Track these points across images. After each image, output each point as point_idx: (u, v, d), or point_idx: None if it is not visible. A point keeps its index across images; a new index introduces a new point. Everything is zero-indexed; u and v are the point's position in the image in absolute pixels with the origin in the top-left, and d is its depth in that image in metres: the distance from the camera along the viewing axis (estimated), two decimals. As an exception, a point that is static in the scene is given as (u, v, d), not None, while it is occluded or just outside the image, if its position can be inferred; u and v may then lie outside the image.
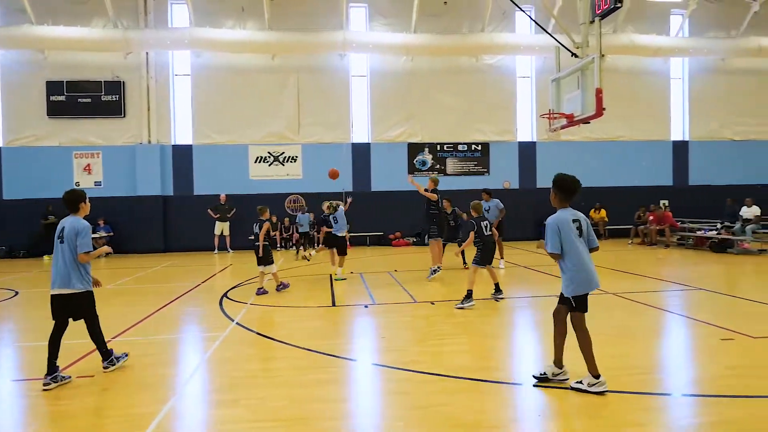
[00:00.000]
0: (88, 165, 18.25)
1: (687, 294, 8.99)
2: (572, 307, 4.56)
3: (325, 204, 11.80)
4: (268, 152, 18.96)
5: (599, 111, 10.64)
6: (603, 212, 19.50)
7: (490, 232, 8.35)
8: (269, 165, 18.94)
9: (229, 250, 17.91)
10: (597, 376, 4.47)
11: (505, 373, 5.12)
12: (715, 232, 15.45)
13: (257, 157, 18.93)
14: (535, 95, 19.98)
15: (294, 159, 19.06)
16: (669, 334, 6.61)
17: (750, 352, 5.54)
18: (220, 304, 8.69)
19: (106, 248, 5.64)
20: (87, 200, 5.18)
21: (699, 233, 15.98)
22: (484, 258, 8.35)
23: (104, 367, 5.34)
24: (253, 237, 9.39)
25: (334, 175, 11.20)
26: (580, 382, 4.55)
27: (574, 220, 4.53)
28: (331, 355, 5.72)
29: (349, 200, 11.92)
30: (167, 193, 18.55)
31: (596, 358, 4.59)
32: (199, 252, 17.96)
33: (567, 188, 4.55)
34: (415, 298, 8.77)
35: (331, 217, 11.42)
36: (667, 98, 20.68)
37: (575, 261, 4.47)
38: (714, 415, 4.12)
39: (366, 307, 8.20)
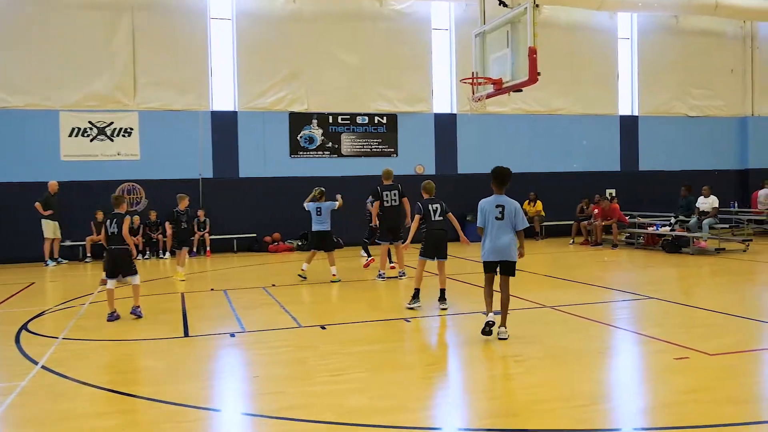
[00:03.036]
0: None
1: (636, 304, 9.76)
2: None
3: (317, 190, 12.74)
4: (90, 122, 17.95)
5: (533, 76, 11.18)
6: (539, 204, 20.61)
7: (441, 218, 9.49)
8: (91, 140, 17.96)
9: (59, 259, 16.91)
10: (486, 313, 7.60)
11: (415, 415, 5.25)
12: (668, 229, 16.91)
13: (73, 129, 17.85)
14: (455, 53, 20.66)
15: (128, 132, 18.22)
16: (615, 354, 7.16)
17: (707, 371, 6.13)
18: (17, 340, 8.13)
19: None
20: None
21: (650, 230, 17.41)
22: (428, 249, 9.40)
23: None
24: (100, 237, 9.11)
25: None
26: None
27: (497, 205, 7.47)
28: (184, 405, 5.55)
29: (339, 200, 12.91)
30: (-66, 181, 16.95)
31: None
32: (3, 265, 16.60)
33: (498, 178, 7.54)
34: (300, 322, 8.77)
35: (315, 207, 12.48)
36: (614, 62, 22.30)
37: (487, 236, 7.52)
38: (666, 452, 4.51)
39: (232, 336, 8.09)
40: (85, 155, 17.94)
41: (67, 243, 17.31)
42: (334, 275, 12.38)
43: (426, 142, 20.65)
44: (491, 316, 7.49)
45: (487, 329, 7.36)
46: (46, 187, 16.95)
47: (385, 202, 12.31)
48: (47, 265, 16.53)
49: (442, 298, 9.45)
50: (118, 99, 18.15)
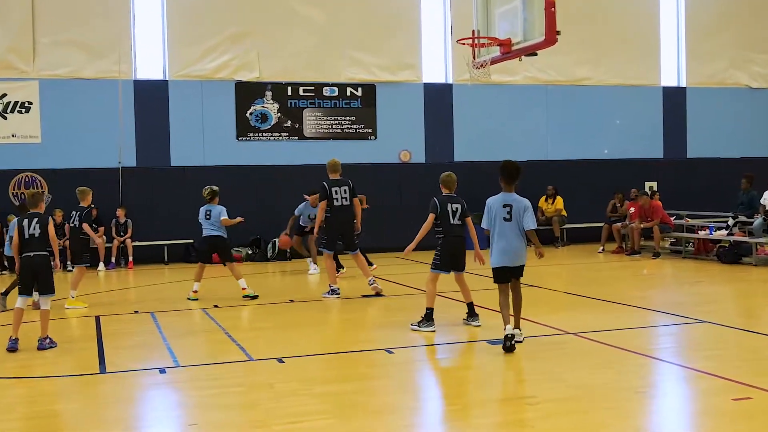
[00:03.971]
0: None
1: (684, 330, 9.82)
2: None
3: (207, 189, 13.09)
4: (-25, 94, 17.87)
5: (551, 36, 11.20)
6: (559, 202, 20.69)
7: (459, 221, 9.69)
8: (-23, 118, 17.88)
9: None
10: (505, 326, 8.47)
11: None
12: (725, 232, 17.03)
13: (-47, 104, 17.76)
14: (451, 7, 20.65)
15: (26, 107, 18.10)
16: (657, 394, 7.15)
17: (772, 416, 6.19)
18: None
19: None
20: None
21: (702, 234, 17.53)
22: (446, 260, 9.64)
23: None
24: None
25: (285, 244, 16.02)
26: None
27: (505, 205, 8.45)
28: (97, 463, 5.52)
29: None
30: None
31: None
32: None
33: (506, 174, 8.53)
34: (251, 354, 8.74)
35: (204, 210, 12.88)
36: (656, 19, 22.43)
37: (495, 240, 8.48)
38: None
39: (162, 372, 8.04)
40: (-32, 137, 17.82)
41: None
42: (244, 289, 12.66)
43: (413, 121, 20.67)
44: (510, 329, 8.34)
45: (508, 344, 8.21)
46: None
47: (335, 201, 12.44)
48: None
49: (472, 314, 9.92)
50: (11, 64, 18.02)
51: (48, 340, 9.21)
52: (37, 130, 18.21)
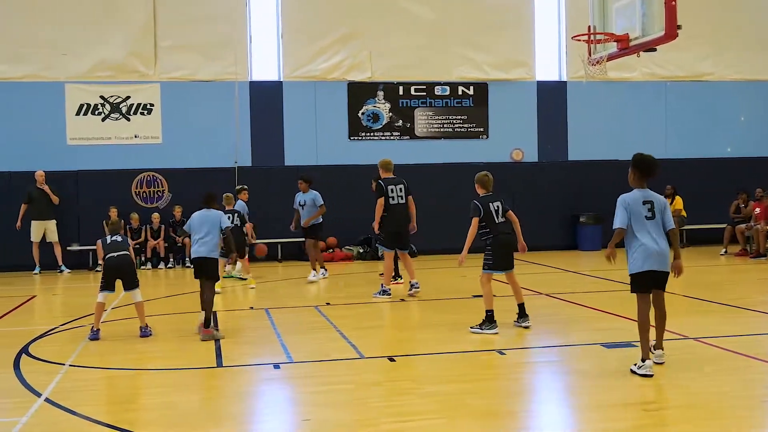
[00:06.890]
0: None
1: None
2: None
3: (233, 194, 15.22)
4: (102, 97, 18.56)
5: (671, 30, 10.94)
6: (678, 201, 20.09)
7: (504, 219, 9.69)
8: (103, 119, 18.58)
9: (63, 268, 17.55)
10: (643, 359, 7.40)
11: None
12: None
13: (82, 106, 18.50)
14: (565, 3, 20.39)
15: (148, 109, 18.74)
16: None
17: None
18: (16, 366, 8.44)
19: None
20: None
21: (833, 236, 16.75)
22: (498, 259, 9.63)
23: None
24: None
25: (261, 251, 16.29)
26: (635, 365, 7.51)
27: (645, 201, 7.48)
28: (213, 455, 5.66)
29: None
30: None
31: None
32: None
33: (645, 168, 7.57)
34: (362, 352, 8.82)
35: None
36: (782, 11, 21.51)
37: (636, 241, 7.43)
38: None
39: (277, 367, 8.20)
40: (96, 138, 18.58)
41: (75, 247, 17.91)
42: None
43: (526, 120, 20.47)
44: (649, 366, 7.33)
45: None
46: (33, 178, 17.48)
47: (390, 199, 12.61)
48: (36, 273, 17.34)
49: (522, 315, 9.86)
50: (135, 68, 18.69)
51: (148, 328, 9.88)
52: (158, 131, 18.85)
